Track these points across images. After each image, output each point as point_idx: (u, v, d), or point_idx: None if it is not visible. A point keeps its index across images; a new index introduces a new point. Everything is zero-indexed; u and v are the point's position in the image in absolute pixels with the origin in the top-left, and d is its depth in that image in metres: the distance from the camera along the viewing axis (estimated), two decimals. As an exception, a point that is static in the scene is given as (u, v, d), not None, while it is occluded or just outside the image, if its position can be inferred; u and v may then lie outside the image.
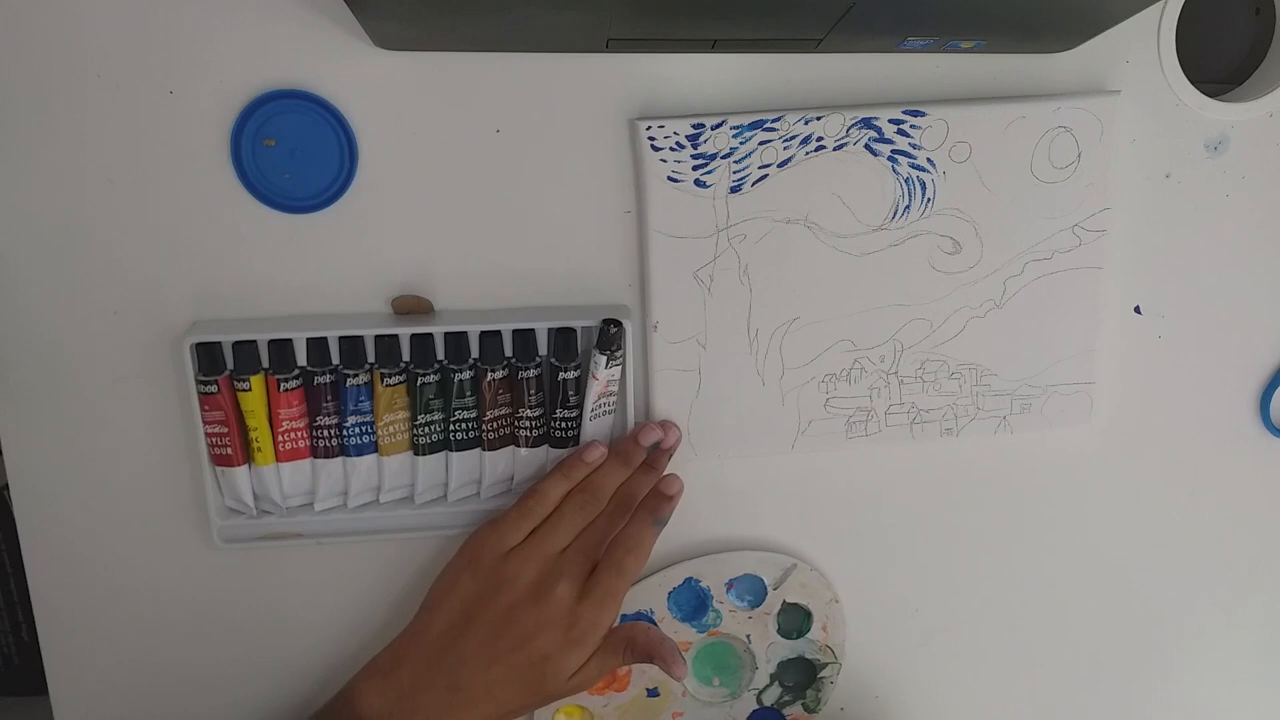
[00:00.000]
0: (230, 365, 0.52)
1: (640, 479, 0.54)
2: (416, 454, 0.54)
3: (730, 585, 0.59)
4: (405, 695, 0.50)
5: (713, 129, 0.51)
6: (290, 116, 0.50)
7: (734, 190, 0.52)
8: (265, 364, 0.52)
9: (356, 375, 0.52)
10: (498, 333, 0.53)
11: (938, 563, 0.61)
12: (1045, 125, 0.53)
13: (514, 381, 0.53)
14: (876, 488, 0.59)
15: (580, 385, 0.54)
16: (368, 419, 0.53)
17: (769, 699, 0.61)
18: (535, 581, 0.51)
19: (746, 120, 0.51)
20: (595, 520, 0.53)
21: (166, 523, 0.55)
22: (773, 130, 0.51)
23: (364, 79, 0.50)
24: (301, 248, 0.52)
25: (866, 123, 0.52)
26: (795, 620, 0.60)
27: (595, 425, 0.54)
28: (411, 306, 0.53)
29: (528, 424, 0.54)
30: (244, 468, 0.53)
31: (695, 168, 0.51)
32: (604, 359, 0.52)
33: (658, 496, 0.54)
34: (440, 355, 0.53)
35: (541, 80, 0.51)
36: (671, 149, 0.51)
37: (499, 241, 0.53)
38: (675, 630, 0.59)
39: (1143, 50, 0.54)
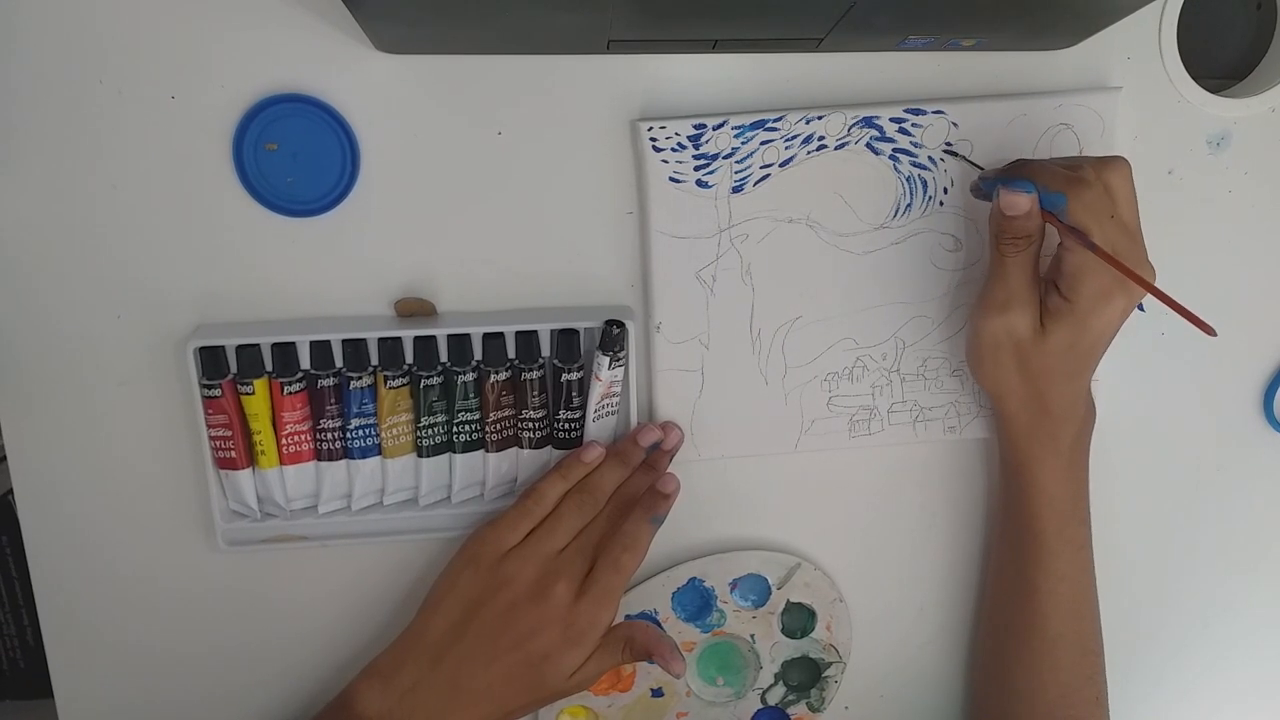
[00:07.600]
0: (234, 369, 0.52)
1: (639, 479, 0.54)
2: (420, 456, 0.54)
3: (734, 585, 0.59)
4: (405, 695, 0.51)
5: (714, 129, 0.51)
6: (292, 120, 0.50)
7: (736, 190, 0.52)
8: (269, 367, 0.52)
9: (360, 378, 0.52)
10: (500, 334, 0.53)
11: (942, 561, 0.61)
12: (1047, 122, 0.53)
13: (517, 383, 0.53)
14: (880, 486, 0.59)
15: (583, 386, 0.54)
16: (371, 421, 0.53)
17: (773, 699, 0.61)
18: (534, 581, 0.51)
19: (748, 120, 0.51)
20: (593, 520, 0.53)
21: (171, 526, 0.55)
22: (774, 130, 0.51)
23: (365, 82, 0.50)
24: (304, 251, 0.52)
25: (868, 122, 0.52)
26: (799, 620, 0.60)
27: (598, 426, 0.54)
28: (414, 309, 0.53)
29: (531, 425, 0.54)
30: (248, 471, 0.53)
31: (697, 168, 0.51)
32: (607, 360, 0.52)
33: (654, 495, 0.54)
34: (443, 357, 0.53)
35: (543, 82, 0.51)
36: (673, 149, 0.51)
37: (501, 243, 0.53)
38: (679, 630, 0.59)
39: (1144, 46, 0.54)
